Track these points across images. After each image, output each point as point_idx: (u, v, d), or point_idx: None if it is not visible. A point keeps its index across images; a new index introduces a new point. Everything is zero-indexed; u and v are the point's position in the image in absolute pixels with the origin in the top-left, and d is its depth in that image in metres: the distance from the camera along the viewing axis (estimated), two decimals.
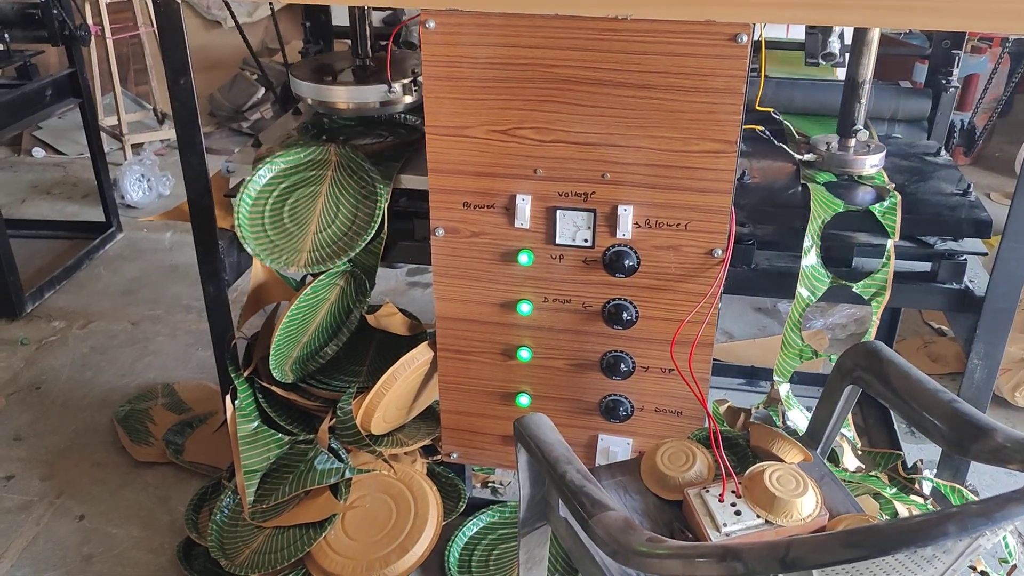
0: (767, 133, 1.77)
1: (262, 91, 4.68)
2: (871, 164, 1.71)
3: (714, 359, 2.55)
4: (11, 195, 3.97)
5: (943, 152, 1.86)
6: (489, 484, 2.10)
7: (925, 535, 0.77)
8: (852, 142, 1.72)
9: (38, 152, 4.56)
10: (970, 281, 1.63)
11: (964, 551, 0.89)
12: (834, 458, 1.99)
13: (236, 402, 1.88)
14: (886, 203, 1.59)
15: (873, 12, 1.34)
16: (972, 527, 0.77)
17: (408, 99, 1.84)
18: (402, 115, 1.96)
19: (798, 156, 1.75)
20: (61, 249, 3.39)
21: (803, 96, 2.00)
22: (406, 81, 1.81)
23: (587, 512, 1.04)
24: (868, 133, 1.73)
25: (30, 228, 3.54)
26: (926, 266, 1.66)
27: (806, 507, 1.29)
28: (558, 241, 1.62)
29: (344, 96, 1.82)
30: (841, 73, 1.92)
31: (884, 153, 1.73)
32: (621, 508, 1.37)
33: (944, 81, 1.93)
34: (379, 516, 1.75)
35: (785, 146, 1.76)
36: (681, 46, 1.42)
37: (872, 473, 1.87)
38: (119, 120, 4.31)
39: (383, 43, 1.95)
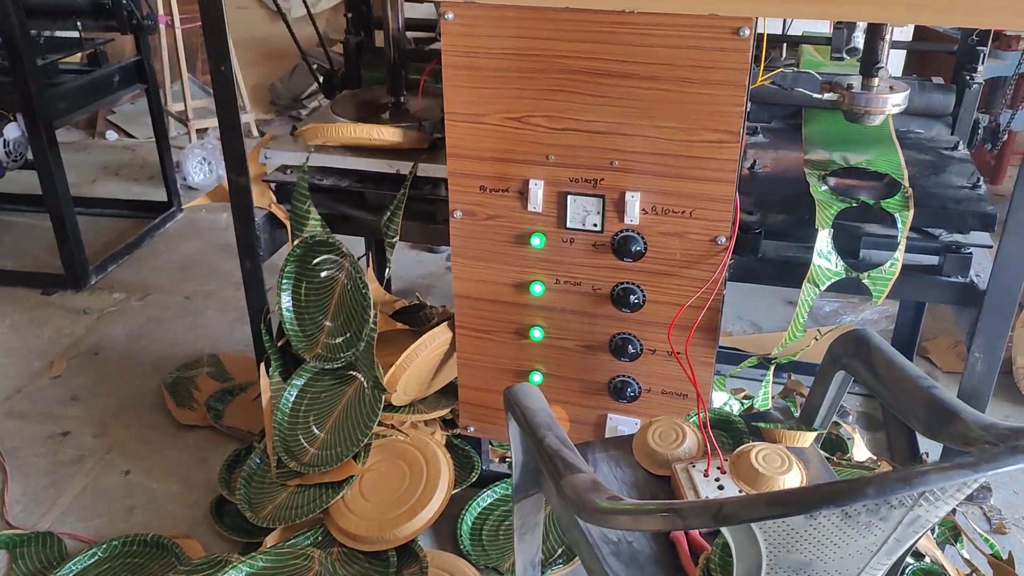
0: (776, 81, 1.78)
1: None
2: (893, 103, 1.67)
3: (737, 349, 2.59)
4: (83, 175, 4.21)
5: (961, 146, 1.86)
6: (507, 459, 2.18)
7: (845, 496, 0.82)
8: (875, 81, 1.70)
9: (111, 135, 4.80)
10: (976, 275, 1.65)
11: (902, 520, 0.94)
12: (844, 447, 2.02)
13: (269, 370, 2.00)
14: (900, 199, 1.60)
15: (874, 6, 1.38)
16: (890, 490, 0.82)
17: (438, 135, 1.91)
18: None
19: (818, 96, 1.74)
20: (125, 226, 3.59)
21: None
22: (438, 120, 1.89)
23: (559, 473, 1.12)
24: (890, 72, 1.70)
25: (98, 206, 3.76)
26: (933, 259, 1.68)
27: (789, 484, 1.34)
28: (569, 225, 1.69)
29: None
30: None
31: (907, 93, 1.69)
32: (610, 479, 1.45)
33: (968, 77, 1.93)
34: (393, 480, 1.85)
35: (804, 90, 1.77)
36: (685, 39, 1.48)
37: (879, 462, 1.90)
38: (185, 106, 4.52)
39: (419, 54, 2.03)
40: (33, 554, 1.93)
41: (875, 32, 1.67)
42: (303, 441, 1.93)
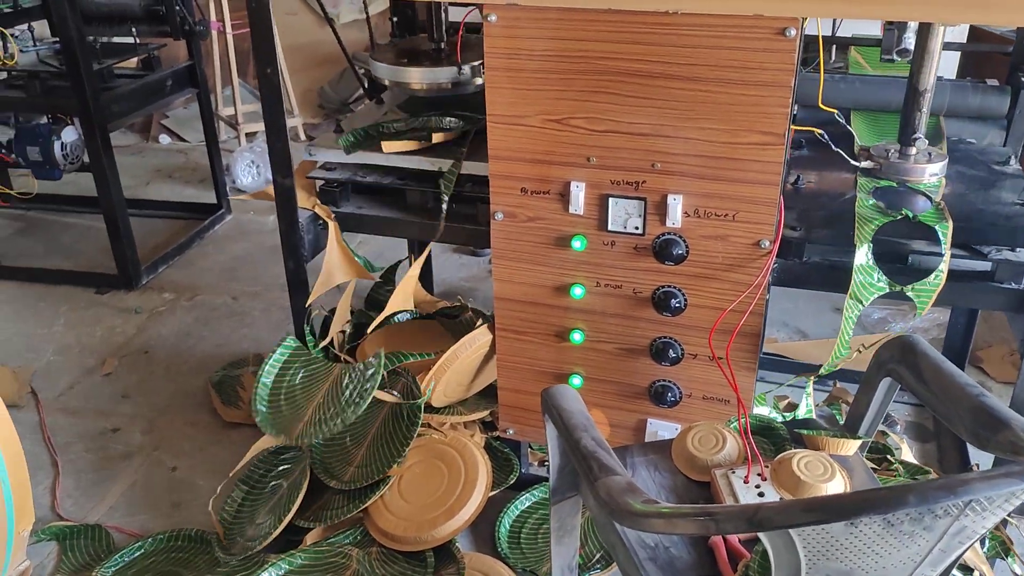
0: (826, 137, 1.77)
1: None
2: (931, 173, 1.70)
3: (782, 356, 2.55)
4: (137, 178, 4.31)
5: (1012, 161, 1.82)
6: (545, 462, 2.17)
7: (884, 504, 0.80)
8: (912, 150, 1.72)
9: (164, 139, 4.92)
10: None
11: (947, 530, 0.92)
12: (891, 457, 1.98)
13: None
14: (934, 212, 1.57)
15: (924, 6, 1.35)
16: (933, 499, 0.80)
17: (478, 80, 1.93)
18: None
19: (855, 164, 1.75)
20: (176, 228, 3.67)
21: (874, 94, 1.99)
22: (476, 64, 1.91)
23: (594, 475, 1.11)
24: (927, 141, 1.72)
25: (151, 208, 3.84)
26: (986, 265, 1.64)
27: (831, 492, 1.31)
28: (610, 228, 1.68)
29: (418, 77, 1.93)
30: None
31: (945, 162, 1.71)
32: (649, 484, 1.43)
33: None
34: (432, 480, 1.86)
35: (843, 152, 1.76)
36: (730, 40, 1.46)
37: (925, 470, 1.85)
38: (235, 110, 4.60)
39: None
40: (82, 546, 1.98)
41: (913, 101, 1.67)
42: (342, 461, 1.95)
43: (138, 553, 1.93)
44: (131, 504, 2.13)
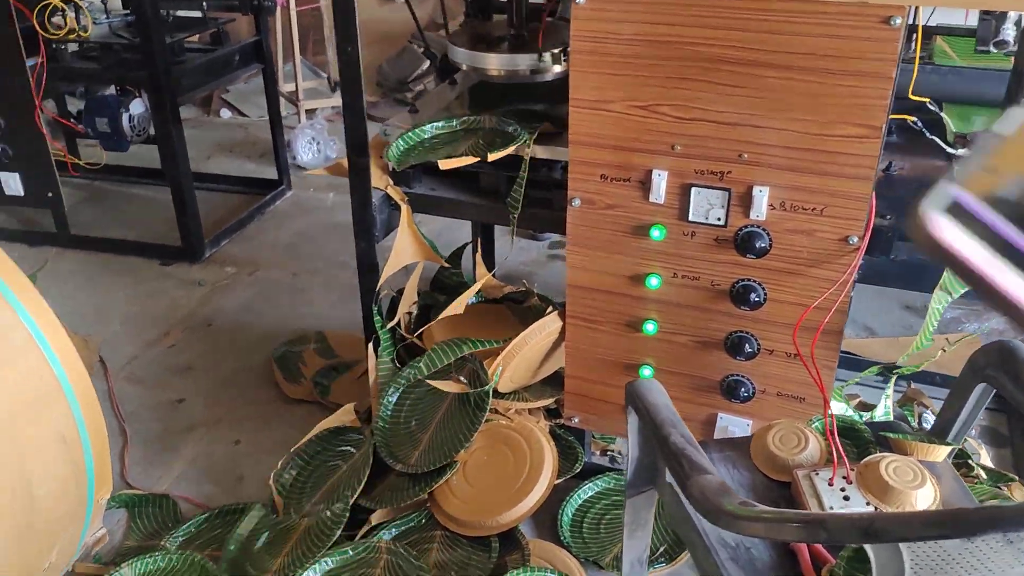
0: (919, 124, 1.71)
1: (427, 63, 4.86)
2: None
3: (852, 354, 2.49)
4: (199, 151, 4.35)
5: None
6: (608, 452, 2.16)
7: (1013, 523, 0.76)
8: None
9: (225, 113, 4.96)
10: None
11: None
12: (970, 463, 1.92)
13: (378, 351, 2.03)
14: None
15: None
16: None
17: (558, 68, 1.90)
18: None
19: (951, 151, 1.69)
20: (237, 203, 3.70)
21: (968, 86, 1.92)
22: (556, 51, 1.87)
23: (685, 473, 1.09)
24: None
25: (213, 182, 3.88)
26: None
27: (921, 500, 1.27)
28: (691, 218, 1.64)
29: (496, 63, 1.91)
30: None
31: None
32: (728, 481, 1.40)
33: None
34: (497, 466, 1.85)
35: (938, 139, 1.70)
36: (830, 27, 1.41)
37: (1010, 477, 1.80)
38: (296, 86, 4.62)
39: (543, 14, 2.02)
40: (150, 514, 2.01)
41: (1017, 89, 1.61)
42: (407, 445, 1.95)
43: (204, 524, 1.95)
44: (197, 475, 2.16)
